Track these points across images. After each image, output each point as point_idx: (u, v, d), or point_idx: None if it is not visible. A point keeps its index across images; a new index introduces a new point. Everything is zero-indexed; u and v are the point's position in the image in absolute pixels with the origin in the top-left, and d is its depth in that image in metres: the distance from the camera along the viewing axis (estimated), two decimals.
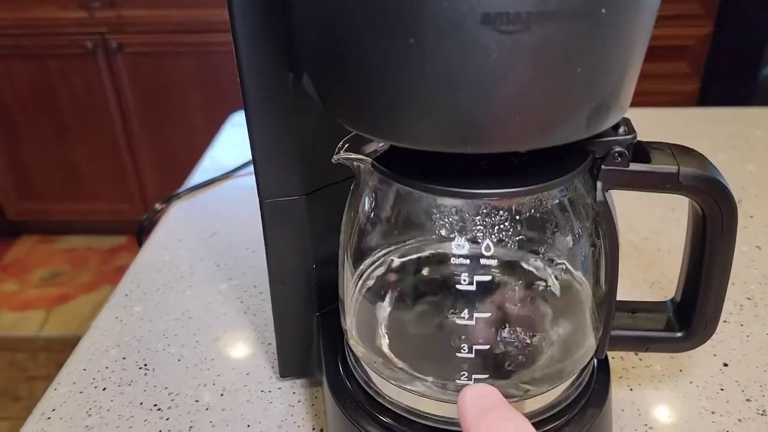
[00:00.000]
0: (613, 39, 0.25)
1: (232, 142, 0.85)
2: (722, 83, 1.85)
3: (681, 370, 0.47)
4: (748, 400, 0.45)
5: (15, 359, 1.80)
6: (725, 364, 0.48)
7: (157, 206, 0.70)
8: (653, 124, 0.86)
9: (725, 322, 0.52)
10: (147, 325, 0.53)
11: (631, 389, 0.46)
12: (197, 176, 0.77)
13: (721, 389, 0.46)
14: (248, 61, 0.35)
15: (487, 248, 0.31)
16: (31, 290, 2.07)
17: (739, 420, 0.43)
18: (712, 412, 0.44)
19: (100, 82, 1.92)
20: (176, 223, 0.68)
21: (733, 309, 0.53)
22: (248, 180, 0.75)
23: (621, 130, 0.33)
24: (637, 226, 0.64)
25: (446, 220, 0.33)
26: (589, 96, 0.26)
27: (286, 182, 0.40)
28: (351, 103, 0.29)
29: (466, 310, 0.32)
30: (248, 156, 0.77)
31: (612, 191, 0.34)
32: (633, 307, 0.40)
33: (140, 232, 0.69)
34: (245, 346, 0.51)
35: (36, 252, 2.24)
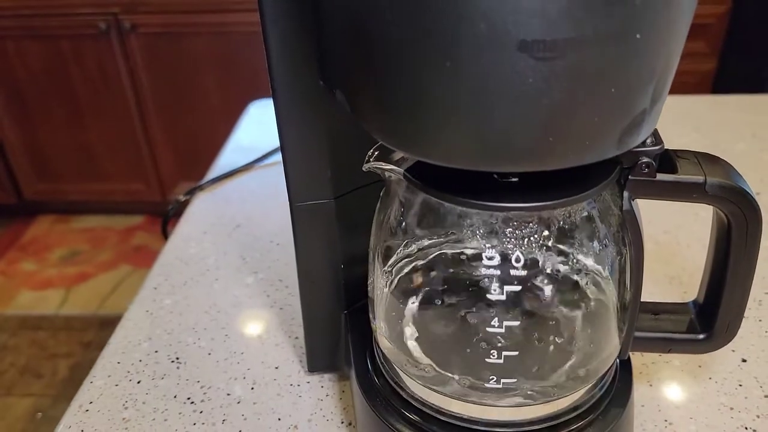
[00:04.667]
0: (646, 61, 0.26)
1: (252, 132, 0.86)
2: (739, 63, 1.83)
3: (700, 366, 0.48)
4: (766, 396, 0.46)
5: (36, 337, 1.84)
6: (744, 360, 0.49)
7: (181, 197, 0.71)
8: (672, 112, 0.86)
9: (744, 318, 0.52)
10: (177, 318, 0.55)
11: (651, 385, 0.47)
12: (219, 167, 0.78)
13: (740, 385, 0.47)
14: (279, 68, 0.36)
15: (517, 259, 0.32)
16: (51, 269, 2.10)
17: (758, 416, 0.44)
18: (731, 408, 0.45)
19: (114, 63, 1.92)
20: (200, 215, 0.69)
21: (751, 304, 0.54)
22: (270, 171, 0.76)
23: (648, 140, 0.33)
24: (656, 220, 0.65)
25: (477, 230, 0.34)
26: (621, 116, 0.27)
27: (315, 187, 0.41)
28: (384, 119, 0.30)
29: (496, 319, 0.33)
30: (269, 146, 0.78)
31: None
32: (656, 309, 0.41)
33: (165, 224, 0.70)
34: (273, 340, 0.52)
35: (54, 231, 2.27)
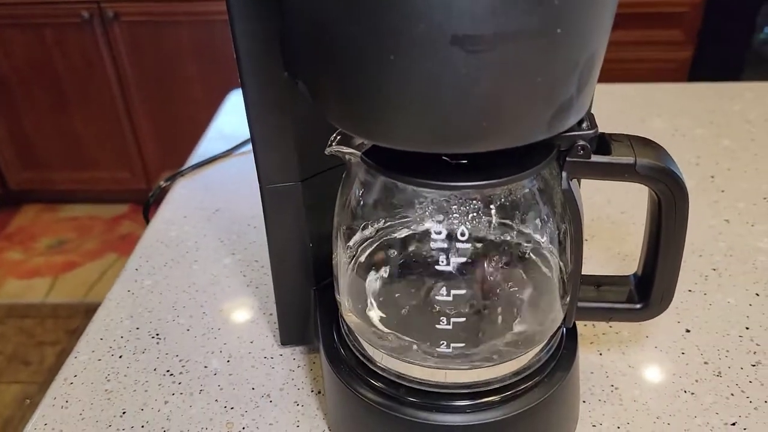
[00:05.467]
0: (569, 53, 0.29)
1: (232, 120, 0.89)
2: (715, 50, 1.87)
3: (647, 336, 0.52)
4: (705, 362, 0.49)
5: (23, 325, 1.86)
6: (687, 330, 0.52)
7: (162, 183, 0.74)
8: (638, 99, 0.89)
9: (690, 291, 0.56)
10: (157, 297, 0.58)
11: (600, 354, 0.51)
12: (199, 153, 0.80)
13: (682, 353, 0.50)
14: (247, 60, 0.39)
15: (463, 234, 0.35)
16: (37, 258, 2.11)
17: (696, 381, 0.48)
18: (673, 374, 0.49)
19: (98, 52, 1.93)
20: (181, 200, 0.72)
21: (698, 279, 0.57)
22: (248, 158, 0.78)
23: (584, 125, 0.36)
24: (614, 200, 0.68)
25: (427, 207, 0.37)
26: (549, 102, 0.30)
27: (283, 170, 0.44)
28: (341, 108, 0.33)
29: (444, 288, 0.36)
30: (248, 134, 0.81)
31: None
32: (599, 281, 0.44)
33: (147, 209, 0.73)
34: (248, 317, 0.56)
35: (40, 221, 2.28)
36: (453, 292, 0.36)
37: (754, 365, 0.49)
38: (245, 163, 0.78)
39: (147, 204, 0.73)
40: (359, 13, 0.28)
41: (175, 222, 0.68)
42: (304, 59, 0.34)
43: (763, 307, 0.54)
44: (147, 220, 0.70)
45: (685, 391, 0.47)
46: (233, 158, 0.79)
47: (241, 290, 0.58)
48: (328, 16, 0.29)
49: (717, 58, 1.88)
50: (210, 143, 0.83)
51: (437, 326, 0.37)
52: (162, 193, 0.74)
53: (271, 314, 0.56)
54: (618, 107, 0.87)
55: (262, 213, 0.45)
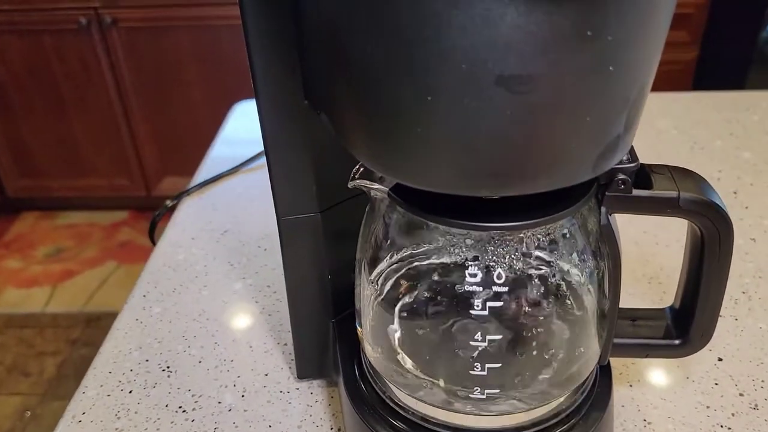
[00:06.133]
0: (619, 91, 0.27)
1: (237, 135, 0.87)
2: (721, 51, 1.85)
3: (678, 366, 0.50)
4: (741, 394, 0.48)
5: (23, 335, 1.84)
6: (720, 359, 0.50)
7: (168, 203, 0.72)
8: (653, 109, 0.87)
9: (720, 317, 0.54)
10: (166, 326, 0.56)
11: (630, 385, 0.49)
12: (205, 170, 0.78)
13: (716, 384, 0.49)
14: (264, 86, 0.36)
15: (499, 276, 0.33)
16: (36, 266, 2.09)
17: (732, 414, 0.46)
18: (707, 407, 0.47)
19: (96, 58, 1.91)
20: (188, 220, 0.69)
21: (728, 303, 0.55)
22: (256, 175, 0.76)
23: (625, 158, 0.34)
24: (635, 219, 0.66)
25: (460, 246, 0.35)
26: (596, 143, 0.28)
27: (302, 201, 0.41)
28: (367, 145, 0.31)
29: (479, 333, 0.34)
30: (254, 149, 0.79)
31: None
32: (634, 315, 0.42)
33: (152, 229, 0.70)
34: (262, 347, 0.53)
35: (38, 228, 2.26)
36: (488, 337, 0.34)
37: None
38: (253, 181, 0.76)
39: (153, 224, 0.71)
40: (393, 49, 0.26)
41: (183, 244, 0.66)
42: (326, 91, 0.32)
43: None
44: (153, 242, 0.68)
45: (722, 426, 0.45)
46: (240, 175, 0.77)
47: (254, 318, 0.56)
48: (354, 47, 0.27)
49: (722, 58, 1.86)
50: (215, 159, 0.80)
51: (471, 372, 0.35)
52: (165, 209, 0.72)
53: (285, 344, 0.53)
54: None
55: (271, 233, 0.44)
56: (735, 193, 0.70)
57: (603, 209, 0.35)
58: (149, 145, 2.07)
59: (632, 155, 0.35)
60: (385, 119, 0.28)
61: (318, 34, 0.30)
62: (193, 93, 1.95)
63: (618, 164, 0.34)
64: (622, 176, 0.34)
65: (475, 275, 0.33)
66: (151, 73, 1.93)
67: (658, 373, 0.49)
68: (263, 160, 0.74)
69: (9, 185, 2.19)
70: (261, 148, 0.40)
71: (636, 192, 0.34)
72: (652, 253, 0.61)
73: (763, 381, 0.48)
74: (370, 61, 0.27)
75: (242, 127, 0.88)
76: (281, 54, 0.35)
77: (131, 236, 2.19)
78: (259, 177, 0.76)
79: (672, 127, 0.82)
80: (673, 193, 0.34)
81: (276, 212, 0.42)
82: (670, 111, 0.87)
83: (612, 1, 0.24)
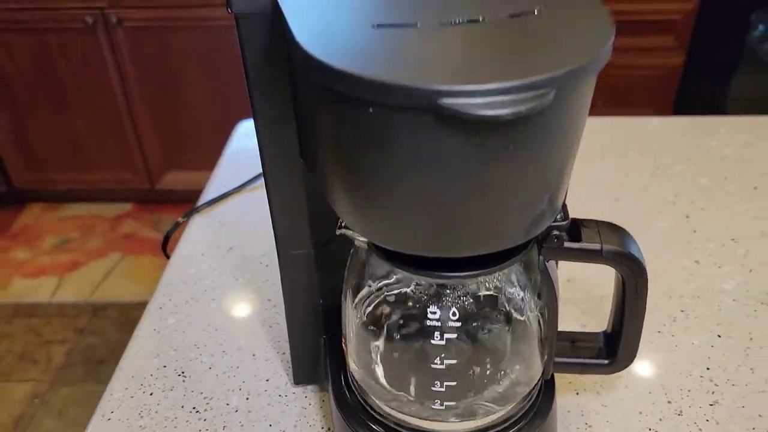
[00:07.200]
0: (538, 182, 0.35)
1: (242, 155, 0.94)
2: (707, 57, 1.91)
3: (620, 377, 0.59)
4: (669, 402, 0.56)
5: (31, 324, 1.91)
6: (655, 371, 0.59)
7: (180, 219, 0.80)
8: (621, 133, 0.95)
9: (659, 332, 0.62)
10: (181, 336, 0.64)
11: (577, 393, 0.57)
12: (213, 187, 0.86)
13: (649, 393, 0.57)
14: (268, 148, 0.44)
15: (454, 314, 0.42)
16: (43, 257, 2.16)
17: (660, 419, 0.55)
18: (640, 412, 0.55)
19: (101, 57, 1.97)
20: (198, 236, 0.78)
21: (667, 321, 0.64)
22: (258, 194, 0.85)
23: (559, 216, 0.42)
24: None
25: (426, 287, 0.43)
26: (524, 218, 0.36)
27: (298, 239, 0.50)
28: (348, 212, 0.39)
29: (438, 358, 0.42)
30: (257, 170, 0.87)
31: None
32: (573, 338, 0.51)
33: (165, 244, 0.79)
34: (264, 356, 0.62)
35: (44, 220, 2.33)
36: (446, 361, 0.43)
37: (711, 405, 0.56)
38: (256, 199, 0.84)
39: (165, 239, 0.79)
40: (357, 157, 0.34)
41: (193, 260, 0.74)
42: (317, 165, 0.40)
43: (724, 349, 0.61)
44: (167, 256, 0.76)
45: (650, 429, 0.54)
46: (245, 193, 0.85)
47: (256, 330, 0.65)
48: (330, 148, 0.35)
49: (708, 64, 1.92)
50: (222, 178, 0.88)
51: (432, 389, 0.43)
52: (177, 228, 0.80)
53: (284, 353, 0.62)
54: (606, 141, 0.93)
55: (271, 250, 0.51)
56: (687, 216, 0.78)
57: (540, 258, 0.43)
58: (152, 140, 2.14)
59: (565, 213, 0.43)
60: (359, 198, 0.36)
61: (304, 122, 0.38)
62: (196, 91, 2.02)
63: (554, 221, 0.42)
64: (556, 232, 0.42)
65: (435, 313, 0.42)
66: (154, 71, 2.00)
67: (601, 382, 0.58)
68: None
69: (15, 178, 2.25)
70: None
71: (567, 244, 0.43)
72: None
73: (689, 390, 0.57)
74: (341, 158, 0.35)
75: (247, 146, 0.96)
76: (281, 120, 0.42)
77: (135, 228, 2.27)
78: (261, 196, 0.84)
79: (637, 152, 0.90)
80: (597, 246, 0.43)
81: (277, 249, 0.50)
82: (641, 136, 0.95)
83: (531, 127, 0.32)
